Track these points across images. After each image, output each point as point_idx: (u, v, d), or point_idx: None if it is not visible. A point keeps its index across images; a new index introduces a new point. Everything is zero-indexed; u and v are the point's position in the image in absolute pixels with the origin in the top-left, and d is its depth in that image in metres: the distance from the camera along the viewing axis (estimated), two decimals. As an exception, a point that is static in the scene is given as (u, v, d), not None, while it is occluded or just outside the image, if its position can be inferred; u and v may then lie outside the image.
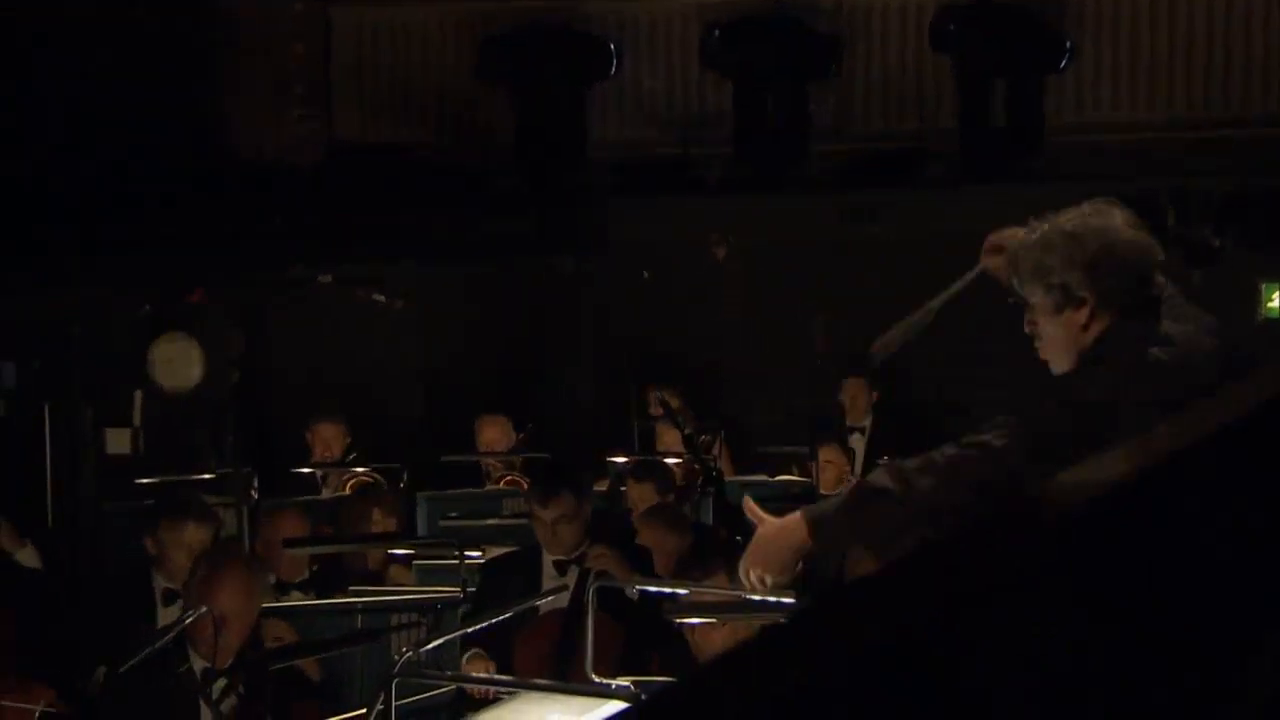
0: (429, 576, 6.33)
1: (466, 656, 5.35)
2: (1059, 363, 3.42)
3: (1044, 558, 1.16)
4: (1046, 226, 3.40)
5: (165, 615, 5.50)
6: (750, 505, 3.45)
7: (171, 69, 10.08)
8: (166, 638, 4.56)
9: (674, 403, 8.31)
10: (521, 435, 8.77)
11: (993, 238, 3.65)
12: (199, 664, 4.71)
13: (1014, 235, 3.56)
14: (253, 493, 6.86)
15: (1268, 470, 1.26)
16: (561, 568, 5.67)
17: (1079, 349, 3.37)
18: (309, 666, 5.19)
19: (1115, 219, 3.37)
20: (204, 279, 9.72)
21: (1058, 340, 3.40)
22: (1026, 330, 3.44)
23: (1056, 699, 1.12)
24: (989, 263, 3.64)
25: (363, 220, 10.23)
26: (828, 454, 7.76)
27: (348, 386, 9.69)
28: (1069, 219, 3.39)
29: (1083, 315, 3.35)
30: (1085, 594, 1.17)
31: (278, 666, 4.79)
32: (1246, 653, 1.18)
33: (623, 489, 6.92)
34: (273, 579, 5.94)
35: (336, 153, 10.96)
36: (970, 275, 3.68)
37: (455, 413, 9.01)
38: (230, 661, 4.63)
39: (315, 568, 6.27)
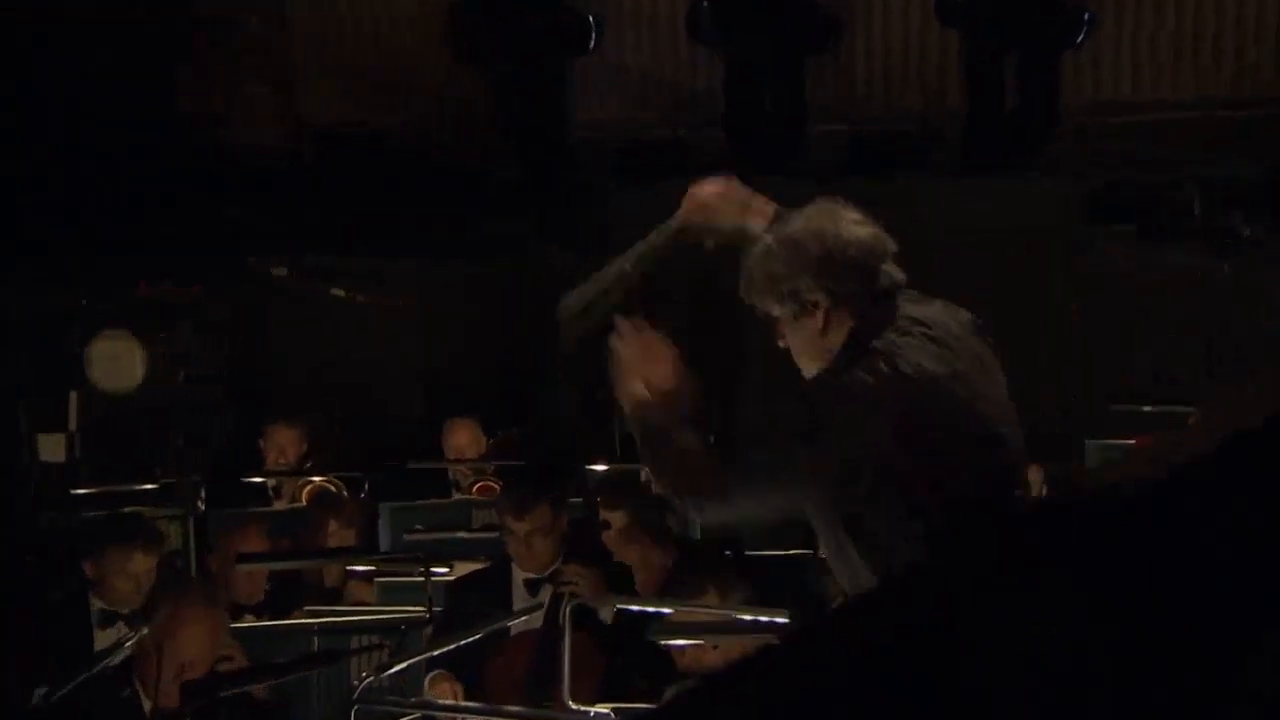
0: (392, 594, 6.34)
1: (430, 677, 5.35)
2: (807, 370, 3.59)
3: (1044, 558, 1.22)
4: (770, 236, 3.59)
5: (101, 638, 5.52)
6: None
7: (133, 49, 10.15)
8: (104, 663, 4.57)
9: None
10: (491, 441, 8.78)
11: (693, 190, 3.84)
12: (146, 703, 4.72)
13: (714, 188, 3.79)
14: (200, 503, 6.87)
15: (1268, 469, 1.32)
16: (534, 587, 5.67)
17: (824, 354, 3.55)
18: (260, 693, 5.19)
19: (840, 218, 3.57)
20: (152, 272, 9.77)
21: (802, 348, 3.58)
22: (779, 344, 3.61)
23: (1056, 699, 1.18)
24: (688, 217, 3.83)
25: (328, 209, 10.27)
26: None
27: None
28: (791, 224, 3.59)
29: (819, 320, 3.53)
30: (1085, 594, 1.23)
31: (227, 693, 4.79)
32: (1246, 653, 1.24)
33: (599, 499, 6.92)
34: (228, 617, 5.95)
35: (300, 135, 10.98)
36: (667, 228, 3.86)
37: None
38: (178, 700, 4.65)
39: (267, 587, 6.27)
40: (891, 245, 3.58)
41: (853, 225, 3.55)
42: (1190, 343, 9.73)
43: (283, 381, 10.29)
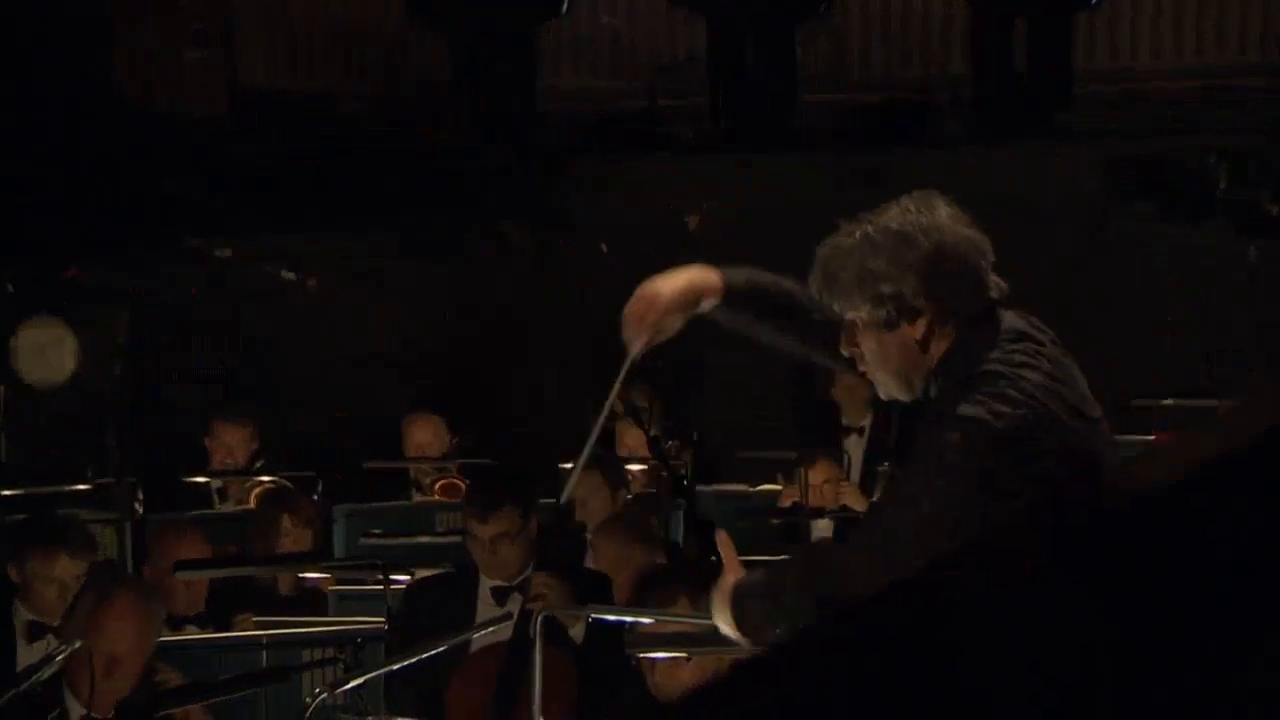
0: (348, 604, 6.36)
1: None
2: (889, 386, 3.40)
3: (1045, 558, 1.27)
4: (868, 226, 3.35)
5: (27, 653, 5.53)
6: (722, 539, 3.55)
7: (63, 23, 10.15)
8: (34, 678, 4.58)
9: (641, 401, 8.35)
10: (455, 439, 8.80)
11: (631, 312, 3.65)
12: (76, 710, 4.74)
13: (653, 296, 3.62)
14: (137, 506, 6.88)
15: (1270, 468, 1.37)
16: (501, 595, 5.68)
17: (914, 370, 3.34)
18: (201, 713, 5.21)
19: (940, 214, 3.36)
20: (81, 252, 9.77)
21: (888, 360, 3.36)
22: (844, 352, 3.40)
23: (1057, 699, 1.24)
24: (639, 340, 3.62)
25: (274, 184, 10.28)
26: (819, 472, 7.81)
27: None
28: (887, 215, 3.36)
29: (919, 329, 3.32)
30: (1087, 593, 1.28)
31: (166, 712, 4.81)
32: (1247, 653, 1.30)
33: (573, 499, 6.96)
34: (163, 612, 5.96)
35: (241, 103, 10.98)
36: (631, 358, 3.65)
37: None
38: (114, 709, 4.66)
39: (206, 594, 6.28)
40: (991, 252, 3.36)
41: (957, 223, 3.35)
42: (1190, 342, 9.82)
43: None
